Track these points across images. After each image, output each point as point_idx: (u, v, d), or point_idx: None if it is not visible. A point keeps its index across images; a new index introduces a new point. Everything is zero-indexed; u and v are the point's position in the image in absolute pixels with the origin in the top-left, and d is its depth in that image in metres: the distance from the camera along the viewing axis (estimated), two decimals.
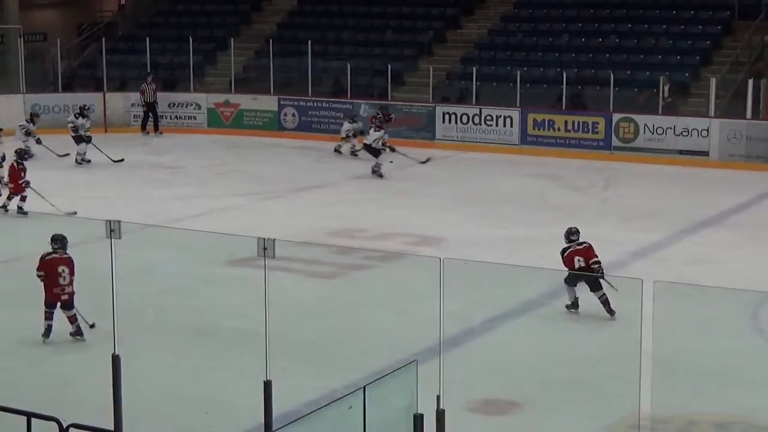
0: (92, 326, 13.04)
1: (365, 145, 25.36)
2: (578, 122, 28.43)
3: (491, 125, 29.20)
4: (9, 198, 20.02)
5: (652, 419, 10.30)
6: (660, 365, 11.03)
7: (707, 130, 26.99)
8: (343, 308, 14.84)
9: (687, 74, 29.88)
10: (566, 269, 14.56)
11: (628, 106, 28.53)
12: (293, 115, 31.32)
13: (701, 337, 13.22)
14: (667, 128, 27.26)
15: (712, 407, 11.19)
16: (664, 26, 31.72)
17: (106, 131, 30.13)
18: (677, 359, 12.10)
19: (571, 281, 14.48)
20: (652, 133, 27.44)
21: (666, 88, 28.48)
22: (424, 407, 8.44)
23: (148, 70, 32.09)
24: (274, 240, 9.16)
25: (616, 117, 27.91)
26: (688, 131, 27.01)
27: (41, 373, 12.35)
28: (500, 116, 29.13)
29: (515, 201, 22.23)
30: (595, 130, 28.09)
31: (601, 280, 14.17)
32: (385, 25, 35.08)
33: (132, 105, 31.76)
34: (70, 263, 13.03)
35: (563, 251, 14.81)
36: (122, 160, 25.82)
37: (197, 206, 21.03)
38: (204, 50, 34.59)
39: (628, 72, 29.71)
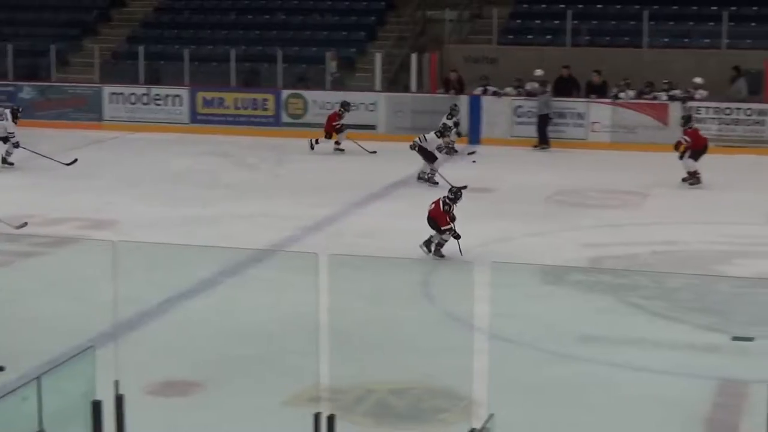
0: None
1: (421, 147, 21.79)
2: (248, 99, 28.52)
3: (160, 104, 28.91)
4: None
5: (331, 390, 10.45)
6: (337, 337, 11.21)
7: (374, 104, 27.60)
8: (13, 297, 14.35)
9: (353, 50, 30.44)
10: None
11: (296, 83, 28.84)
12: None
13: (375, 306, 13.52)
14: (336, 103, 27.70)
15: (389, 375, 11.45)
16: (330, 2, 32.20)
17: None
18: (353, 330, 12.32)
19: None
20: (321, 109, 27.81)
21: (333, 64, 28.94)
22: (103, 393, 8.28)
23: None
24: None
25: (285, 93, 28.17)
26: (356, 106, 27.52)
27: None
28: (169, 95, 28.88)
29: (187, 180, 22.08)
30: (265, 106, 28.25)
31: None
32: (45, 4, 34.08)
33: None
34: None
35: None
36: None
37: None
38: None
39: (296, 48, 29.98)
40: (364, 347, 12.17)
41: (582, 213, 19.27)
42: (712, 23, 28.61)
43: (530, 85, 27.05)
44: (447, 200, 15.99)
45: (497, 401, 9.34)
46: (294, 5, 32.36)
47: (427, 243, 15.88)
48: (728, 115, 25.54)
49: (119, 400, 8.37)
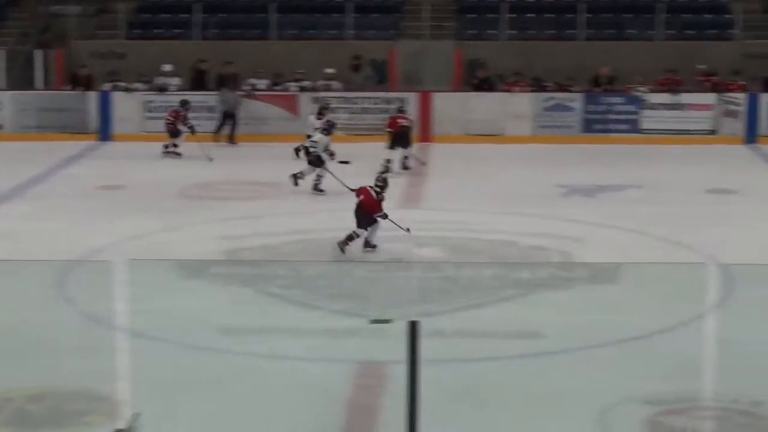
0: None
1: (308, 152, 20.53)
2: None
3: None
4: None
5: None
6: None
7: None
8: None
9: None
10: None
11: None
12: None
13: (9, 312, 13.07)
14: None
15: (26, 381, 11.11)
16: None
17: None
18: None
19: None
20: None
21: None
22: None
23: None
24: None
25: None
26: None
27: None
28: None
29: None
30: None
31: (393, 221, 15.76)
32: None
33: None
34: None
35: None
36: None
37: None
38: None
39: None
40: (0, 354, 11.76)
41: (216, 206, 19.33)
42: (337, 15, 29.31)
43: (160, 80, 26.87)
44: (377, 188, 15.94)
45: (142, 399, 9.26)
46: None
47: (344, 242, 15.65)
48: (356, 104, 26.19)
49: None
